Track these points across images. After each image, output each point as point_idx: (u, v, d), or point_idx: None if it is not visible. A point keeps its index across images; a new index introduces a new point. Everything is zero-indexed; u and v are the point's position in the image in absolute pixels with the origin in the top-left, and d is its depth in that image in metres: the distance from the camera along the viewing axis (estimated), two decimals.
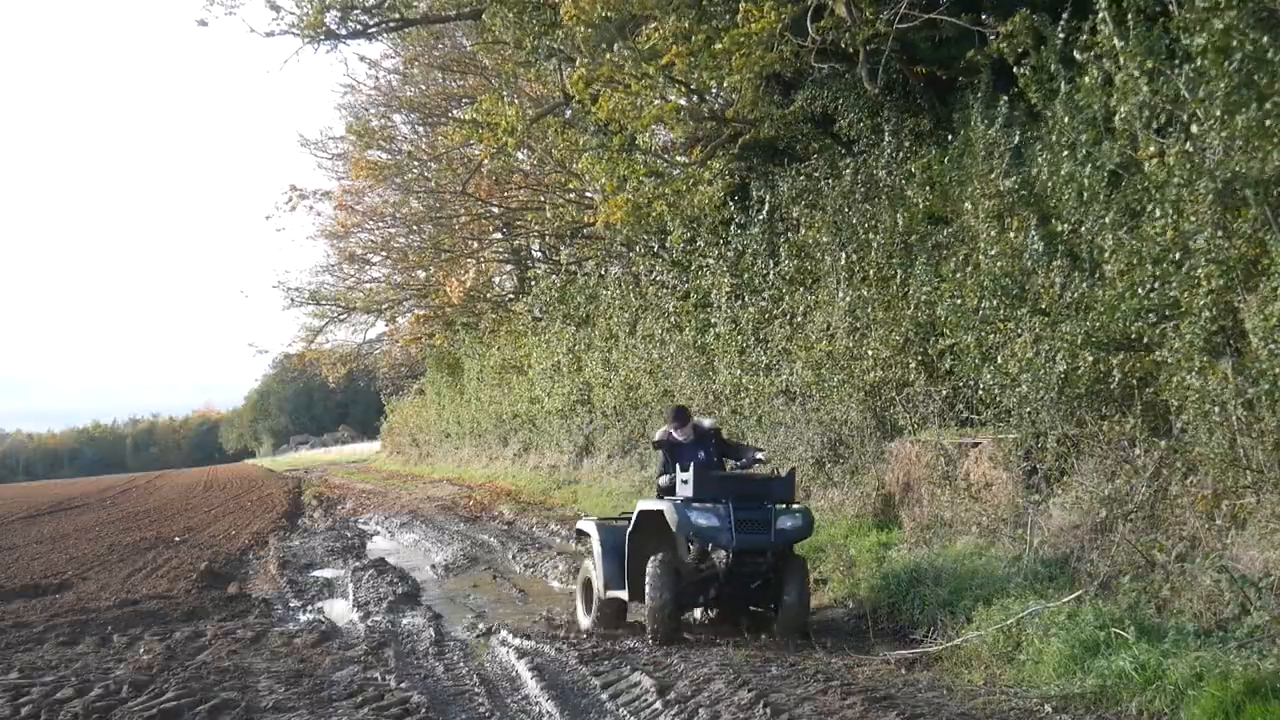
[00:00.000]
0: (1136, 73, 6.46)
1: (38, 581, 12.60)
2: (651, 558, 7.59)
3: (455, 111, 23.63)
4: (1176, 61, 6.25)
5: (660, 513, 7.66)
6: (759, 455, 8.47)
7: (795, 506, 7.78)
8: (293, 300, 32.41)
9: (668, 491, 8.08)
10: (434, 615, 9.31)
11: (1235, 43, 5.68)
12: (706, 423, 8.78)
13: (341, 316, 34.23)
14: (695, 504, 7.52)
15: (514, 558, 12.70)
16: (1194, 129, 5.98)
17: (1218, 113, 5.79)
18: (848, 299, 10.32)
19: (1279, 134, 5.54)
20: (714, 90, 13.55)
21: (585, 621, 8.48)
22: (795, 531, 7.60)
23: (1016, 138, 8.36)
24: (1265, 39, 5.62)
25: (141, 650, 8.10)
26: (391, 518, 19.48)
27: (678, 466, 7.97)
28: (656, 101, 11.94)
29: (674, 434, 8.39)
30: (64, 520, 24.40)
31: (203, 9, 14.23)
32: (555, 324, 21.17)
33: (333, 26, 14.82)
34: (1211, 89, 5.83)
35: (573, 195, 21.88)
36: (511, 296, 28.07)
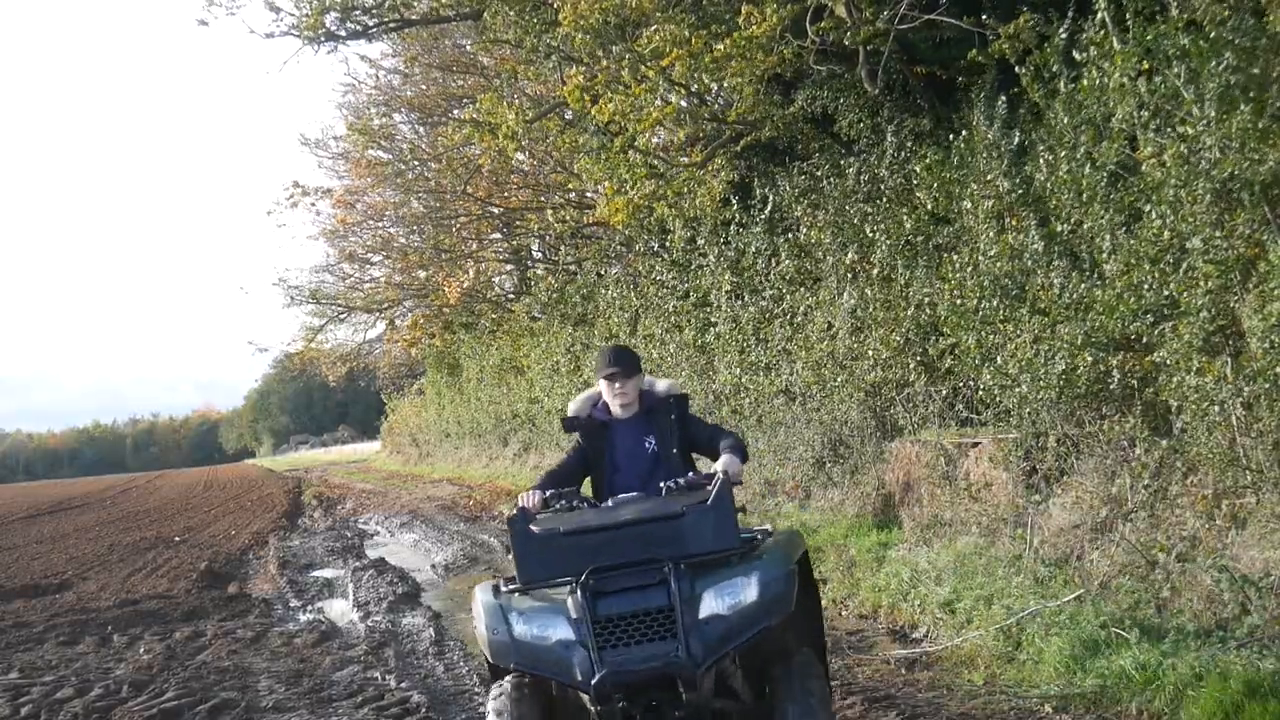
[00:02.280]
0: (1134, 73, 6.46)
1: (38, 581, 12.63)
2: (495, 682, 4.01)
3: (455, 111, 23.64)
4: (1173, 62, 6.25)
5: None
6: (723, 452, 4.31)
7: (757, 546, 3.82)
8: (292, 299, 32.54)
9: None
10: (434, 615, 9.30)
11: (1224, 44, 5.69)
12: (660, 386, 4.63)
13: (341, 316, 34.31)
14: (528, 595, 3.77)
15: None
16: (1188, 130, 5.98)
17: (1212, 114, 5.79)
18: (851, 299, 10.31)
19: (1273, 136, 5.54)
20: (714, 92, 13.55)
21: None
22: (743, 620, 3.56)
23: (1017, 138, 8.35)
24: (1241, 45, 5.63)
25: (141, 650, 8.11)
26: (391, 518, 19.48)
27: (607, 470, 4.47)
28: (658, 103, 11.92)
29: (607, 406, 4.51)
30: (64, 520, 24.43)
31: (203, 9, 14.25)
32: (554, 324, 21.17)
33: (332, 28, 14.83)
34: (1203, 90, 5.84)
35: (573, 196, 21.88)
36: (511, 296, 28.09)
